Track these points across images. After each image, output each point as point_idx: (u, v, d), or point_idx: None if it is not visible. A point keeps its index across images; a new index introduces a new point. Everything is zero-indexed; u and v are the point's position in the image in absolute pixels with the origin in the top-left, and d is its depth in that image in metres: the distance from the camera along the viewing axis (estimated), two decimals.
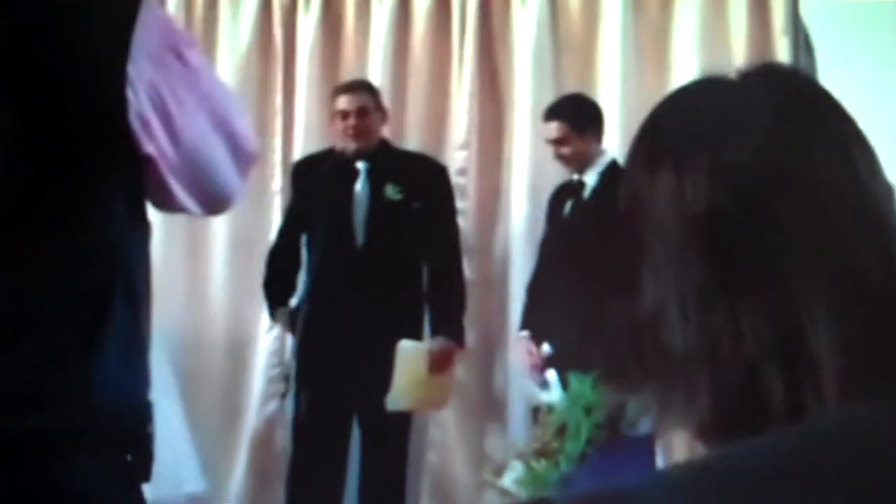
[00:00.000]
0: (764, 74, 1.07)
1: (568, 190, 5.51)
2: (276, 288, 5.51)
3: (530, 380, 5.32)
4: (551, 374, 4.77)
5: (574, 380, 3.37)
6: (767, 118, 1.01)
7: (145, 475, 2.05)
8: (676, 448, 1.04)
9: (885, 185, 1.01)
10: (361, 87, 5.51)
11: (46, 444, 1.89)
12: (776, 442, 0.83)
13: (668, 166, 1.01)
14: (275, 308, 5.52)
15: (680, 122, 1.06)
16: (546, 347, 5.24)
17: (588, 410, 3.05)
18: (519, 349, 5.52)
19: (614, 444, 2.89)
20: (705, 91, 1.08)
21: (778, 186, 0.97)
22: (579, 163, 5.43)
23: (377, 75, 6.04)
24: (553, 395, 3.36)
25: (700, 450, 0.98)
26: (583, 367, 3.36)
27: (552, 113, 5.48)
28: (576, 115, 5.44)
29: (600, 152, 5.43)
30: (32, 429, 1.88)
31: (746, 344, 0.94)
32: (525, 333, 5.50)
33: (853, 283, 0.95)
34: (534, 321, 5.46)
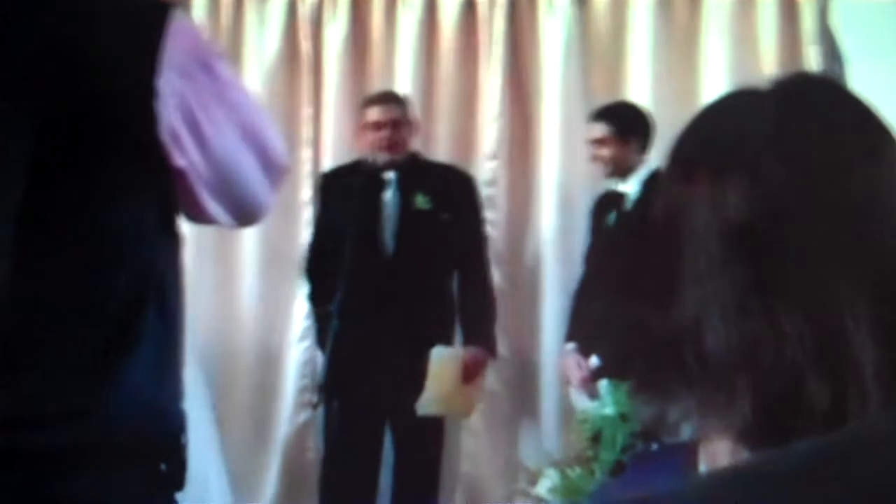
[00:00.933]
0: (799, 84, 1.07)
1: (610, 200, 5.49)
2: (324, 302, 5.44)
3: (580, 392, 5.30)
4: (603, 385, 4.76)
5: (609, 387, 3.36)
6: (803, 128, 1.01)
7: (179, 484, 2.05)
8: (720, 456, 1.04)
9: None
10: (393, 99, 5.50)
11: (76, 458, 1.90)
12: (813, 447, 0.82)
13: (706, 177, 1.02)
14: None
15: (717, 132, 1.07)
16: (594, 359, 5.22)
17: (624, 418, 3.04)
18: (567, 362, 5.50)
19: (653, 452, 2.88)
20: (742, 101, 1.09)
21: (815, 194, 0.98)
22: (616, 168, 5.42)
23: (405, 84, 6.04)
24: (605, 406, 3.35)
25: (743, 454, 0.98)
26: (627, 377, 3.34)
27: (600, 114, 5.48)
28: (622, 121, 5.43)
29: (641, 162, 5.41)
30: (62, 442, 1.89)
31: (788, 349, 0.94)
32: (572, 346, 5.47)
33: (891, 287, 0.95)
34: (580, 333, 5.45)
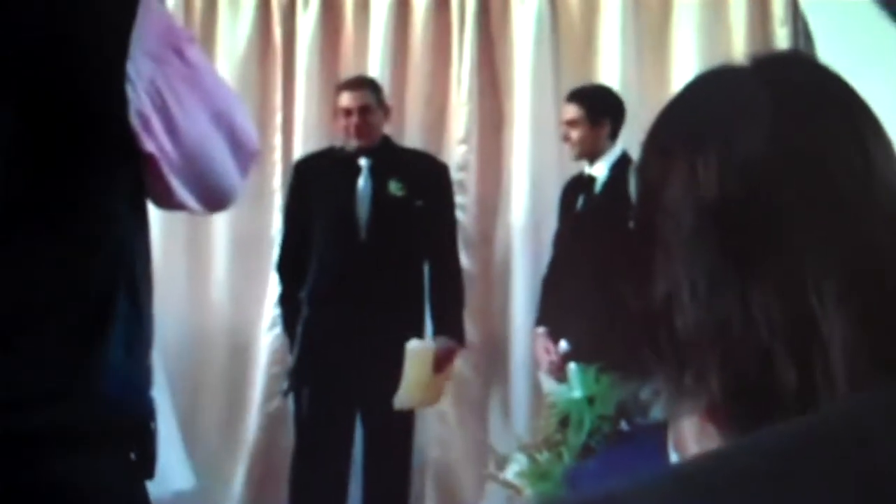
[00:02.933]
0: (776, 62, 1.08)
1: (579, 184, 5.51)
2: (295, 300, 5.44)
3: (549, 376, 5.32)
4: (572, 369, 4.77)
5: (577, 371, 3.36)
6: (779, 106, 1.01)
7: (149, 472, 2.05)
8: (688, 437, 1.04)
9: None
10: (364, 84, 5.50)
11: (50, 442, 1.90)
12: (776, 438, 0.83)
13: (682, 154, 1.02)
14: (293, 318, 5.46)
15: (693, 110, 1.07)
16: (564, 343, 5.24)
17: (591, 401, 3.05)
18: (537, 346, 5.52)
19: (625, 435, 2.89)
20: (718, 80, 1.09)
21: (789, 173, 0.98)
22: (585, 151, 5.43)
23: (377, 71, 6.04)
24: (574, 390, 3.36)
25: (711, 434, 0.98)
26: (599, 360, 3.36)
27: (572, 96, 5.50)
28: (594, 103, 5.45)
29: (612, 145, 5.43)
30: (36, 426, 1.89)
31: (757, 326, 0.95)
32: (542, 330, 5.50)
33: (865, 268, 0.96)
34: (550, 317, 5.47)
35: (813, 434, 0.81)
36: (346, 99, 5.37)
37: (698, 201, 0.99)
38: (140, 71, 1.93)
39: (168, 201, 2.07)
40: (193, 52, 2.06)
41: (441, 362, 5.30)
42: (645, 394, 1.05)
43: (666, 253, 1.01)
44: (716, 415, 0.98)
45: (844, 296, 0.94)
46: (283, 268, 5.57)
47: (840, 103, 1.03)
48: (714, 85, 1.09)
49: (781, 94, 1.02)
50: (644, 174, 1.07)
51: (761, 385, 0.94)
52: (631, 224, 1.08)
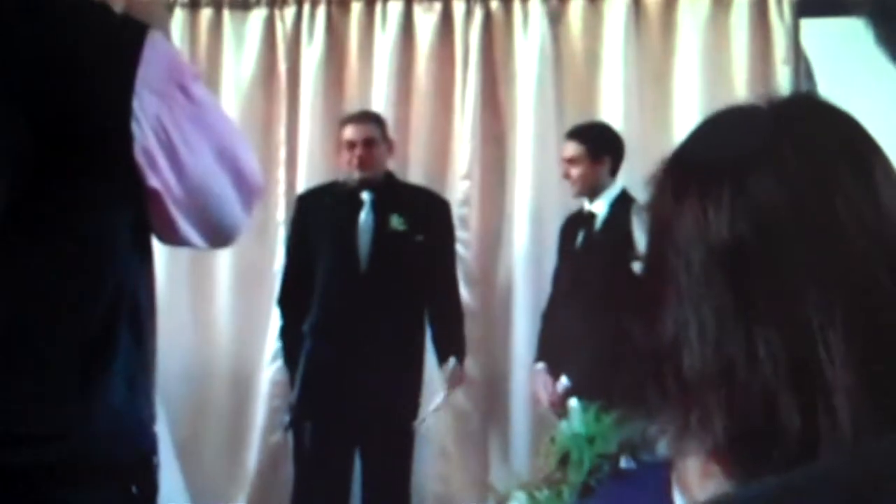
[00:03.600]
0: (791, 105, 1.08)
1: (579, 220, 5.52)
2: (296, 333, 5.43)
3: (550, 411, 5.32)
4: (573, 406, 4.76)
5: (577, 408, 3.36)
6: (790, 148, 1.02)
7: None
8: (691, 476, 1.04)
9: None
10: (368, 118, 5.53)
11: (51, 476, 1.90)
12: (778, 490, 0.83)
13: (694, 194, 1.03)
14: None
15: (707, 150, 1.08)
16: (564, 380, 5.24)
17: (591, 440, 3.05)
18: (536, 382, 5.53)
19: (627, 473, 2.88)
20: (733, 120, 1.09)
21: (799, 216, 0.99)
22: (586, 188, 5.45)
23: (380, 106, 6.05)
24: (574, 427, 3.35)
25: (715, 474, 0.98)
26: (600, 396, 3.35)
27: (573, 133, 5.53)
28: (594, 140, 5.47)
29: (612, 182, 5.45)
30: (37, 461, 1.89)
31: (762, 369, 0.95)
32: (542, 366, 5.50)
33: (870, 312, 0.96)
34: (550, 353, 5.47)
35: (824, 479, 0.81)
36: (349, 132, 5.40)
37: (709, 242, 1.00)
38: (145, 107, 1.94)
39: (172, 237, 2.08)
40: (198, 89, 2.07)
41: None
42: (650, 431, 1.06)
43: (675, 291, 1.02)
44: (720, 456, 0.98)
45: (849, 341, 0.94)
46: (285, 301, 5.57)
47: (852, 149, 1.04)
48: (729, 125, 1.09)
49: (795, 138, 1.03)
50: (656, 211, 1.08)
51: (765, 427, 0.95)
52: (632, 262, 1.09)
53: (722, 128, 1.10)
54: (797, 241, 0.98)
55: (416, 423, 5.34)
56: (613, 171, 5.46)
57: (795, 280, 0.97)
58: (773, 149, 1.02)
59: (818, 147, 1.03)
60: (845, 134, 1.05)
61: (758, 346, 0.96)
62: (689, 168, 1.07)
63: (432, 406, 5.39)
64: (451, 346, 5.47)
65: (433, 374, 5.45)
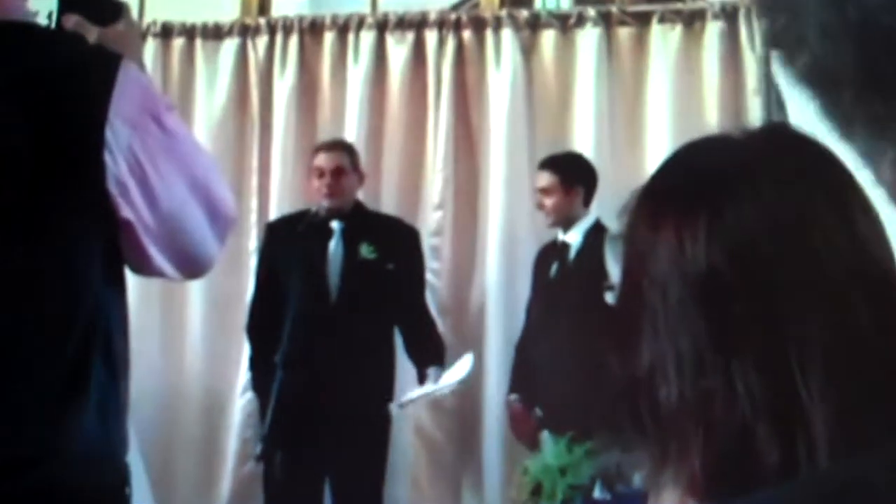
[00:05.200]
0: (766, 135, 1.08)
1: (553, 251, 5.53)
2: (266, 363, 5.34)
3: (522, 443, 5.32)
4: (545, 438, 4.77)
5: (549, 440, 3.37)
6: (766, 179, 1.01)
7: None
8: None
9: (887, 248, 1.02)
10: (339, 147, 5.55)
11: None
12: (784, 493, 0.82)
13: (670, 224, 1.02)
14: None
15: (682, 179, 1.07)
16: (537, 411, 5.24)
17: (563, 471, 3.05)
18: (509, 413, 5.52)
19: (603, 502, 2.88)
20: (708, 150, 1.09)
21: (775, 248, 0.98)
22: (560, 218, 5.47)
23: (352, 136, 6.05)
24: (545, 458, 3.34)
25: None
26: (573, 428, 3.34)
27: (545, 163, 5.55)
28: (567, 171, 5.49)
29: (585, 213, 5.47)
30: (9, 491, 1.87)
31: (739, 402, 0.95)
32: (515, 397, 5.50)
33: (848, 344, 0.96)
34: (523, 384, 5.47)
35: (819, 489, 0.81)
36: (320, 159, 5.42)
37: (685, 273, 1.00)
38: (118, 138, 1.94)
39: (145, 268, 2.07)
40: (172, 120, 2.07)
41: None
42: (625, 463, 1.05)
43: (651, 322, 1.01)
44: (696, 489, 0.98)
45: (828, 373, 0.94)
46: (253, 331, 5.56)
47: (827, 179, 1.03)
48: (704, 155, 1.09)
49: (770, 169, 1.03)
50: (631, 241, 1.07)
51: (743, 460, 0.94)
52: (606, 292, 1.08)
53: (697, 157, 1.10)
54: (774, 272, 0.97)
55: (398, 405, 5.30)
56: (587, 202, 5.48)
57: (772, 312, 0.96)
58: (750, 179, 1.02)
59: (794, 178, 1.03)
60: (821, 164, 1.04)
61: (735, 379, 0.95)
62: (665, 198, 1.07)
63: (437, 388, 5.33)
64: (429, 353, 5.43)
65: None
